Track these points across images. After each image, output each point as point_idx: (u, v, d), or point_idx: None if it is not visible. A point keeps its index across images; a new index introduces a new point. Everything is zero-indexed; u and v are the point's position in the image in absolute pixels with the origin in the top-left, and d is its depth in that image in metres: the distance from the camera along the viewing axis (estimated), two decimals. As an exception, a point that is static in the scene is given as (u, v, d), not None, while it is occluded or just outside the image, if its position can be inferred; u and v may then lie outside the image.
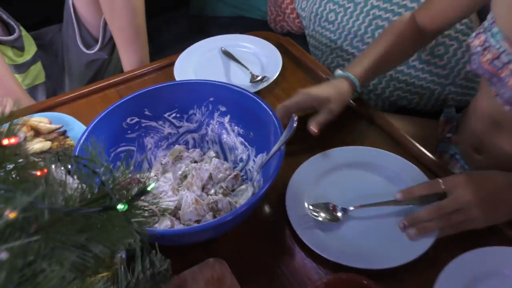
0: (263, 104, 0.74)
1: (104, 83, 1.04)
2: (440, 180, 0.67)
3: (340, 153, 0.80)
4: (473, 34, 0.77)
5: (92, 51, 1.15)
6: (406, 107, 1.13)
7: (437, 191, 0.67)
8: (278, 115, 0.76)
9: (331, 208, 0.71)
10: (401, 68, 1.06)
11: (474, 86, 1.05)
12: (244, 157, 0.79)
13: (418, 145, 0.83)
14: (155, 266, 0.45)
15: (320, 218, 0.69)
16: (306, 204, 0.71)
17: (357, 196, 0.73)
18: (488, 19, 0.75)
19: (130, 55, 1.07)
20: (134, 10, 1.02)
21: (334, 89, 0.84)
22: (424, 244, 0.65)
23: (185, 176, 0.77)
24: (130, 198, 0.37)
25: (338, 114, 0.83)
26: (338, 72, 0.87)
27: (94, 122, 0.73)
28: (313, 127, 0.79)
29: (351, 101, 0.89)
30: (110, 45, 1.16)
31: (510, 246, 0.65)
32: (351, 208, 0.71)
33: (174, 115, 0.82)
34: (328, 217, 0.70)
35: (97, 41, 1.16)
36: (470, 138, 0.90)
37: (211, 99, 0.80)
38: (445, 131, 0.99)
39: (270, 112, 0.72)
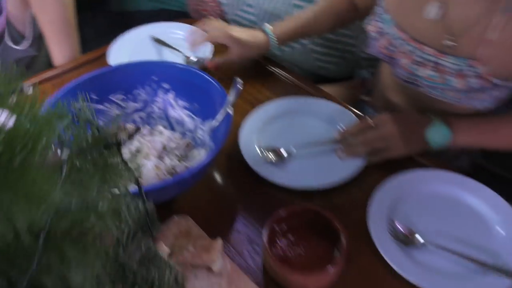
0: (205, 76, 0.82)
1: (39, 78, 1.05)
2: (369, 118, 0.81)
3: (279, 104, 0.93)
4: (369, 20, 0.90)
5: (22, 47, 1.14)
6: (327, 77, 1.26)
7: (367, 127, 0.80)
8: (192, 38, 1.00)
9: (277, 151, 0.83)
10: (317, 41, 1.18)
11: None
12: (192, 127, 0.86)
13: (343, 102, 0.96)
14: (141, 209, 0.51)
15: (268, 160, 0.81)
16: (257, 149, 0.84)
17: (298, 138, 0.86)
18: (381, 6, 0.88)
19: (62, 47, 1.08)
20: (63, 2, 1.04)
21: (251, 38, 0.98)
22: (353, 169, 0.79)
23: (138, 151, 0.82)
24: (123, 139, 0.43)
25: (247, 59, 1.02)
26: (264, 26, 1.00)
27: (42, 112, 0.76)
28: (213, 64, 0.98)
29: (281, 71, 1.01)
30: (38, 41, 1.15)
31: (418, 169, 0.80)
32: (294, 150, 0.83)
33: (119, 96, 0.86)
34: (275, 158, 0.82)
35: (24, 37, 1.15)
36: (380, 100, 1.04)
37: (154, 78, 0.86)
38: (361, 93, 1.14)
39: (214, 82, 0.80)
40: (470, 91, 0.79)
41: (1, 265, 0.32)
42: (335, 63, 1.21)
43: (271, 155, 0.82)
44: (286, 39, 1.00)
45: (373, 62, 1.20)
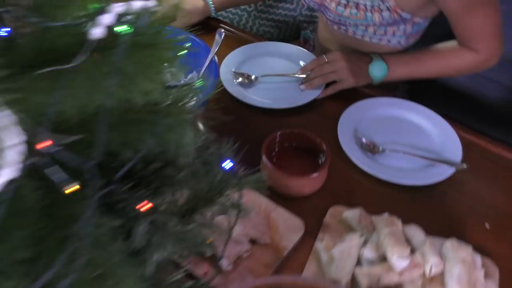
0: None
1: None
2: (324, 56, 0.97)
3: (254, 48, 1.10)
4: None
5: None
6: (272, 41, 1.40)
7: (322, 63, 0.97)
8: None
9: (246, 75, 1.01)
10: (260, 8, 1.33)
11: (317, 14, 1.38)
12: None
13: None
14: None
15: (236, 81, 0.99)
16: (232, 73, 1.01)
17: (266, 69, 1.04)
18: None
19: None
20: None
21: (192, 6, 1.13)
22: (312, 95, 0.98)
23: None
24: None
25: (191, 24, 1.13)
26: None
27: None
28: None
29: (234, 30, 1.15)
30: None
31: (369, 98, 0.98)
32: (260, 77, 1.01)
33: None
34: (244, 80, 1.00)
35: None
36: (321, 52, 1.21)
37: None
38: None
39: (193, 37, 0.91)
40: (386, 25, 0.98)
41: (129, 136, 0.42)
42: (279, 27, 1.36)
43: (241, 77, 1.00)
44: (222, 5, 1.16)
45: (312, 24, 1.38)
